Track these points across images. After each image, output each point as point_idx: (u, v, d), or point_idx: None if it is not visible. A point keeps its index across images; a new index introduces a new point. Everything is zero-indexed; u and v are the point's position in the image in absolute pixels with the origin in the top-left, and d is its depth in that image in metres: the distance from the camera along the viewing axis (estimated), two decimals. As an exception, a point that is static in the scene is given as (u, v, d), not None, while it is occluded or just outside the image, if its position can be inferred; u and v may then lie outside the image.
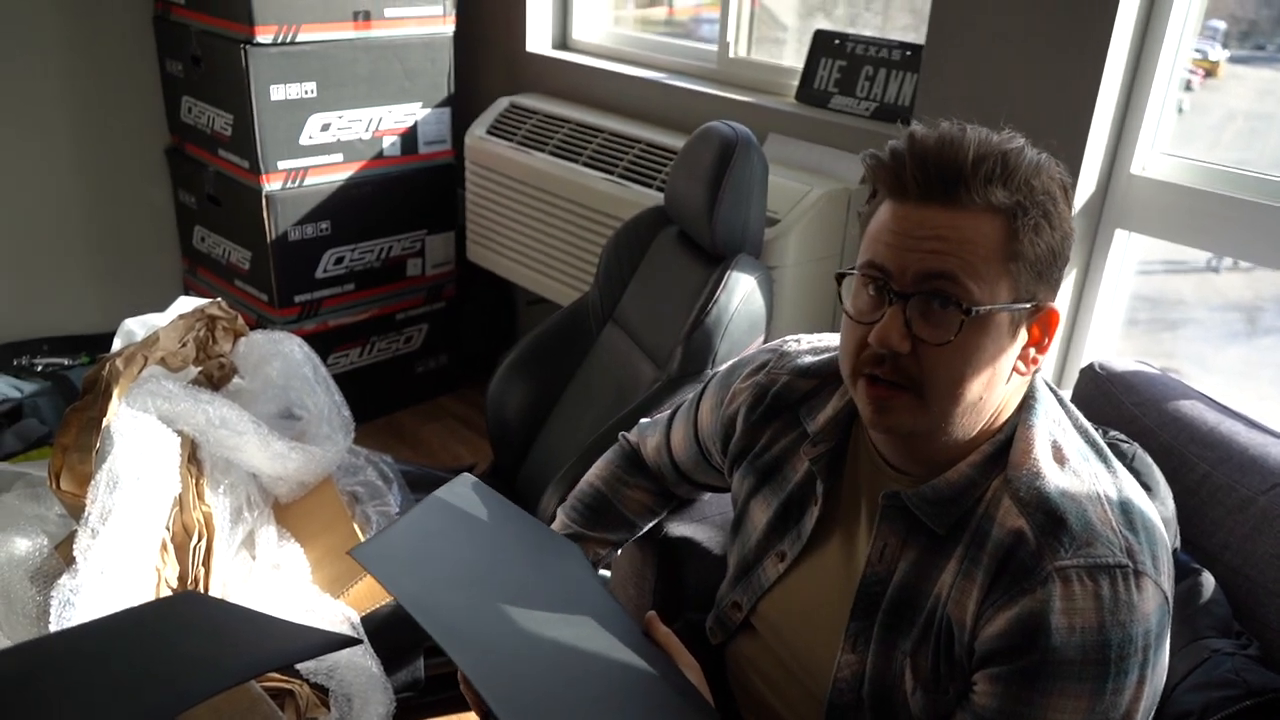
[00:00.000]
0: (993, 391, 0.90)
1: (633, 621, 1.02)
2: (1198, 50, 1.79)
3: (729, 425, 1.15)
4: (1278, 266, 1.63)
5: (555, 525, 1.34)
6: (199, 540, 1.58)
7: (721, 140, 1.70)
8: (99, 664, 0.83)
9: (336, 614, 1.54)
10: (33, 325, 2.71)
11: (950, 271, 0.85)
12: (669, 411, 1.33)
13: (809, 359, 1.11)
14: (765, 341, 1.77)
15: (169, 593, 1.52)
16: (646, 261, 1.94)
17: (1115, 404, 1.42)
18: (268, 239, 2.46)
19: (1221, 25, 1.82)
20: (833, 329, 2.11)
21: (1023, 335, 0.90)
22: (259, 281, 2.56)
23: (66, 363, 2.54)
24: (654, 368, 1.81)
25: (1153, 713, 0.90)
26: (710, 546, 1.39)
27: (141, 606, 0.93)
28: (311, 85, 2.41)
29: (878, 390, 0.90)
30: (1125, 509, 0.89)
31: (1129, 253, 1.80)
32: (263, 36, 2.30)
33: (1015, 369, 0.91)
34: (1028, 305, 0.88)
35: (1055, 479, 0.89)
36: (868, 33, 2.26)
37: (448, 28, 2.62)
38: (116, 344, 1.88)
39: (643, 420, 1.37)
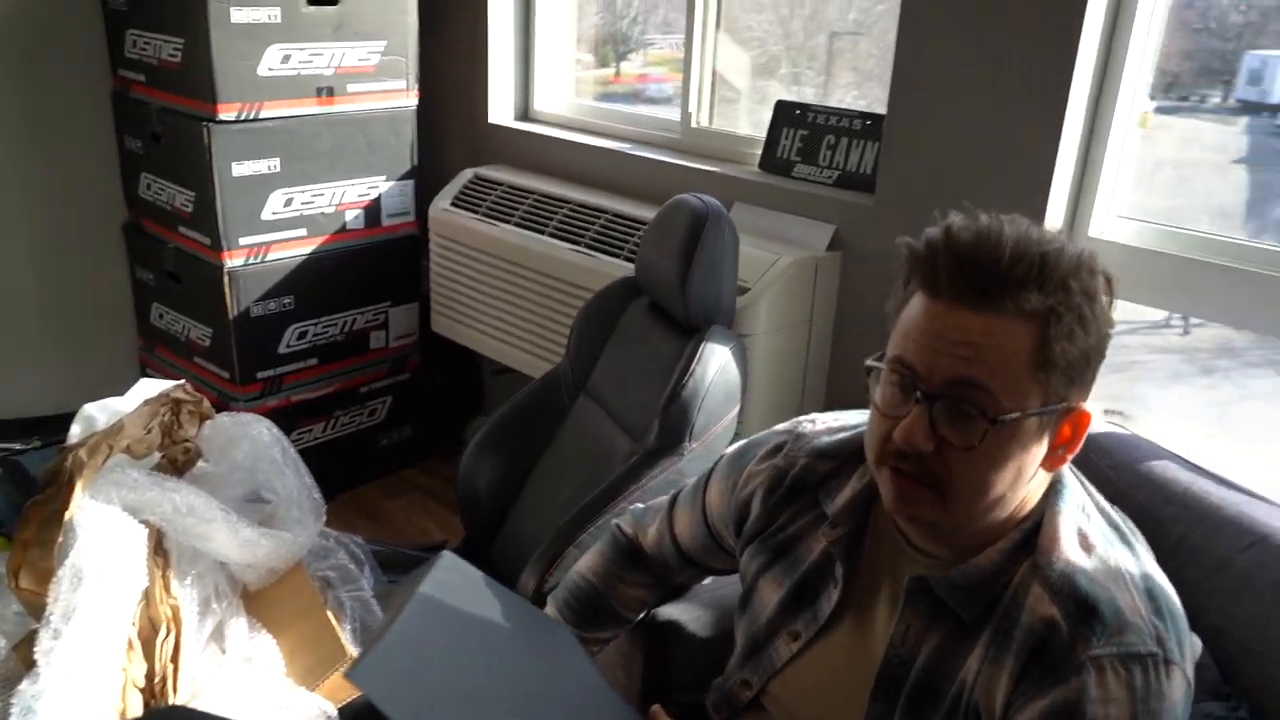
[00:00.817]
0: (1017, 491, 0.90)
1: (634, 711, 1.00)
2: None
3: (744, 507, 1.14)
4: (1227, 322, 1.68)
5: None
6: (167, 635, 1.53)
7: (693, 213, 1.72)
8: None
9: (312, 708, 1.49)
10: (-17, 408, 2.64)
11: (979, 380, 0.85)
12: (666, 498, 1.32)
13: (826, 440, 1.10)
14: (740, 411, 1.77)
15: (136, 693, 1.47)
16: (618, 333, 1.94)
17: (1089, 466, 1.44)
18: (229, 315, 2.42)
19: (1149, 78, 1.91)
20: (802, 395, 2.13)
21: (1048, 438, 0.90)
22: (220, 358, 2.51)
23: (18, 447, 2.46)
24: (630, 440, 1.81)
25: None
26: (696, 629, 1.37)
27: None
28: (274, 161, 2.40)
29: (900, 482, 0.90)
30: (1151, 595, 0.90)
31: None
32: (225, 114, 2.29)
33: (1042, 466, 0.91)
34: (1058, 408, 0.88)
35: (1084, 566, 0.89)
36: (810, 91, 2.32)
37: (411, 101, 2.64)
38: (75, 430, 1.83)
39: (634, 507, 1.35)
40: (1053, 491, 0.95)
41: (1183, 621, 0.91)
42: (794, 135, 2.22)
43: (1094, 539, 0.93)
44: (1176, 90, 1.89)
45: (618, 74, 2.96)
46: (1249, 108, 1.95)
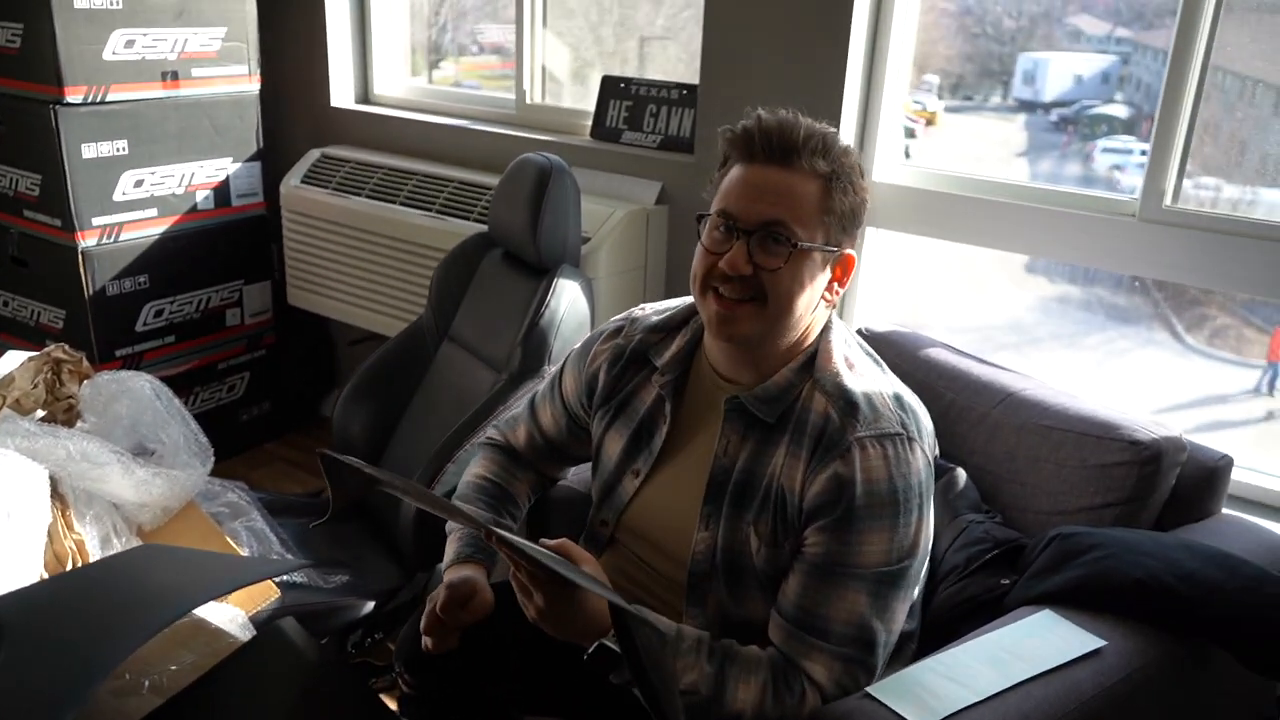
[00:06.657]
0: (808, 312, 1.20)
1: None
2: (917, 101, 2.15)
3: (592, 380, 1.39)
4: (986, 245, 2.06)
5: (452, 541, 1.37)
6: (73, 567, 1.63)
7: (538, 167, 1.95)
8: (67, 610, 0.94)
9: (224, 615, 1.63)
10: None
11: (783, 219, 1.15)
12: (525, 402, 1.54)
13: (656, 318, 1.38)
14: (591, 339, 2.02)
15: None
16: (476, 282, 2.15)
17: (881, 355, 1.76)
18: (85, 295, 2.47)
19: (936, 80, 2.20)
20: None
21: (828, 272, 1.20)
22: (75, 339, 2.55)
23: None
24: (493, 373, 2.01)
25: (929, 553, 1.20)
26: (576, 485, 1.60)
27: (102, 561, 1.04)
28: (123, 143, 2.47)
29: (724, 304, 1.18)
30: (897, 398, 1.21)
31: (879, 245, 2.18)
32: (73, 96, 2.35)
33: (823, 297, 1.21)
34: (835, 249, 1.19)
35: (849, 378, 1.20)
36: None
37: (254, 86, 2.74)
38: (-55, 400, 1.88)
39: (503, 418, 1.56)
40: (826, 328, 1.26)
41: (923, 417, 1.23)
42: (620, 106, 2.48)
43: (855, 360, 1.24)
44: (962, 90, 2.12)
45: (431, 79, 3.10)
46: (1025, 106, 2.13)
